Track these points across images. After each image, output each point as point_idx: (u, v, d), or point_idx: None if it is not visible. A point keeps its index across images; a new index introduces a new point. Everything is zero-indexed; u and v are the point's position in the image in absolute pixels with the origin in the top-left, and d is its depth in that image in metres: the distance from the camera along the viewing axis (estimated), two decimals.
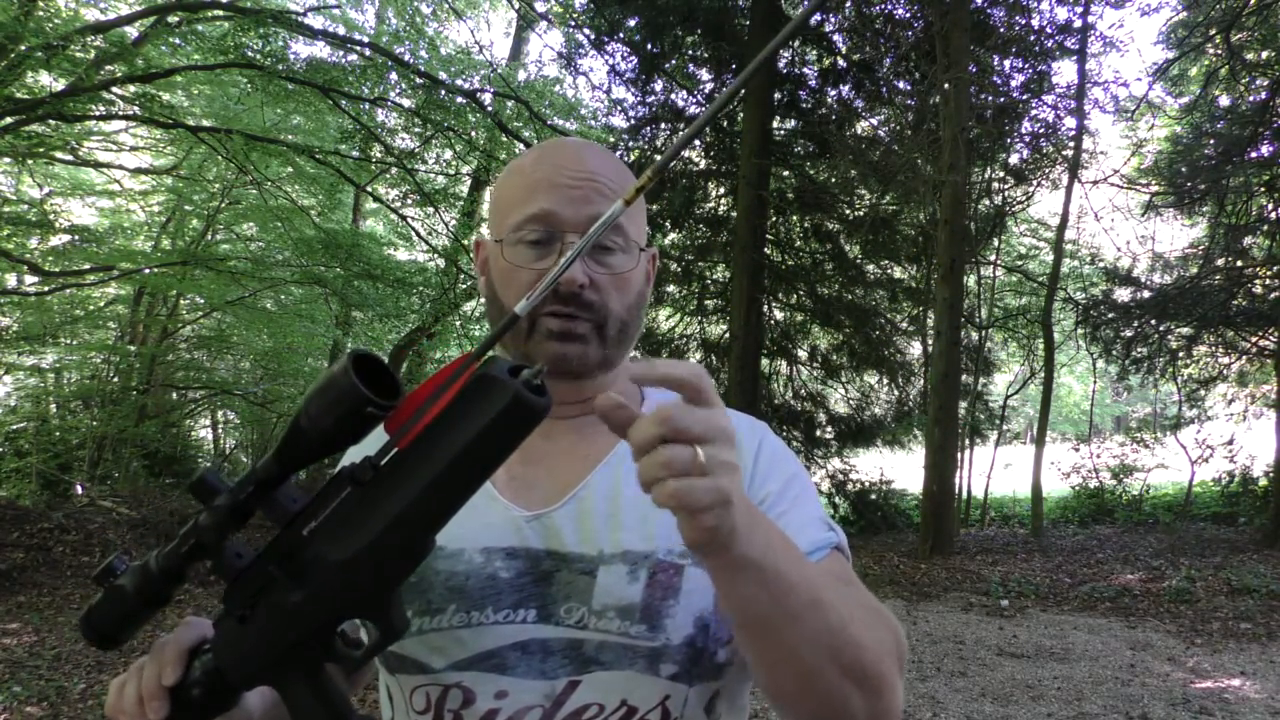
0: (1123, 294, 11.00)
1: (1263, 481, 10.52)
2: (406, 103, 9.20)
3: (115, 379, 11.61)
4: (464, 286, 10.58)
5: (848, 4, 10.16)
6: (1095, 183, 11.77)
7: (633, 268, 0.80)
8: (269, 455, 0.56)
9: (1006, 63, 10.69)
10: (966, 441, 11.88)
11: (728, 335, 10.72)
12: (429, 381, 0.54)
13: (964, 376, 10.70)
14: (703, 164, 11.52)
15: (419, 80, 8.58)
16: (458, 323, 11.80)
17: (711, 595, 0.74)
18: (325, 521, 0.58)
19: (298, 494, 0.59)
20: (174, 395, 12.73)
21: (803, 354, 11.80)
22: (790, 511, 0.78)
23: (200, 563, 0.59)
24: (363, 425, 0.53)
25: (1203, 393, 11.73)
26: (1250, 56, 10.20)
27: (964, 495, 11.83)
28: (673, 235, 11.32)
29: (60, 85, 7.39)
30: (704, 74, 11.59)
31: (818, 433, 11.54)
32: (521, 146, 9.50)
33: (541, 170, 0.79)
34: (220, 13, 7.59)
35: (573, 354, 0.77)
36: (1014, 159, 11.55)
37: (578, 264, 0.75)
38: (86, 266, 9.72)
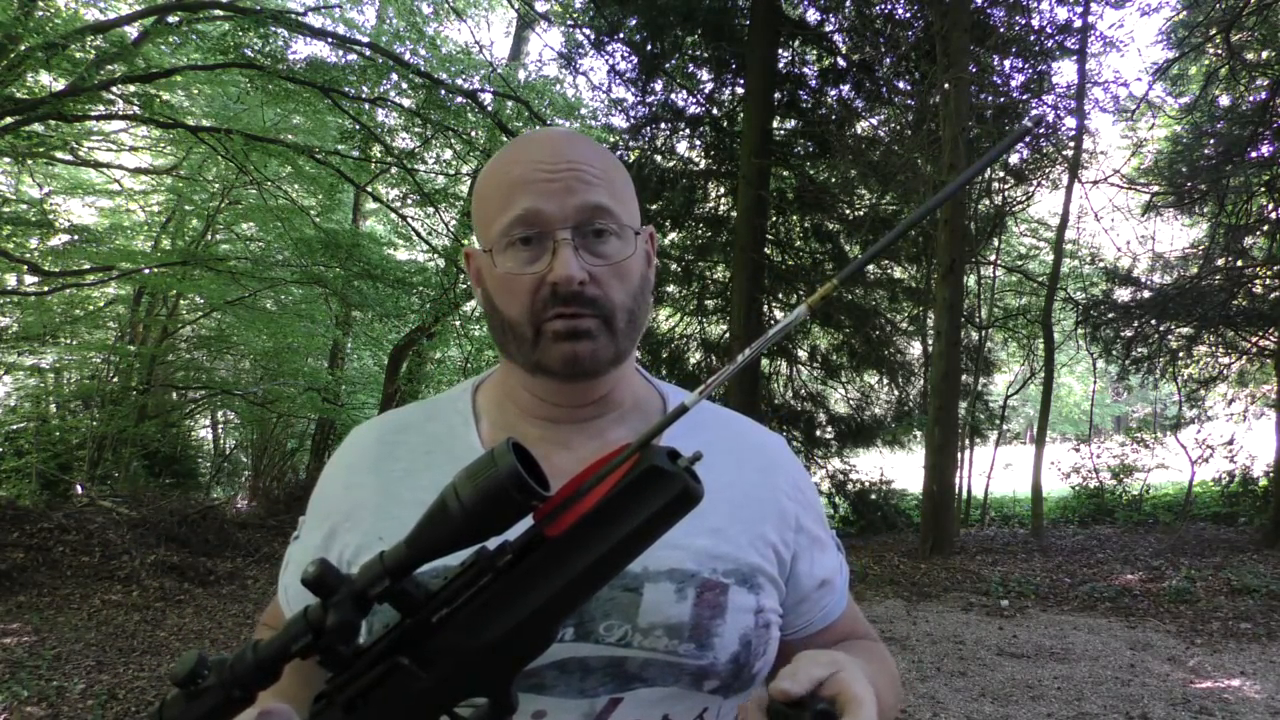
0: (1123, 294, 10.99)
1: (1263, 481, 10.51)
2: (406, 103, 9.21)
3: (115, 379, 11.62)
4: (464, 286, 10.58)
5: (848, 4, 10.17)
6: (1095, 183, 11.77)
7: (630, 254, 0.77)
8: (399, 544, 0.54)
9: (1006, 63, 10.69)
10: (966, 441, 11.88)
11: (728, 335, 10.72)
12: (584, 471, 0.54)
13: (964, 376, 10.70)
14: (703, 164, 11.52)
15: (419, 80, 8.58)
16: (457, 323, 11.81)
17: (751, 613, 0.76)
18: (461, 608, 0.56)
19: (417, 580, 0.57)
20: (174, 395, 12.73)
21: (803, 354, 11.80)
22: (826, 543, 0.87)
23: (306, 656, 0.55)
24: (518, 517, 0.52)
25: (1203, 393, 11.71)
26: (1250, 56, 10.19)
27: (964, 495, 11.82)
28: (673, 235, 11.33)
29: (60, 85, 7.39)
30: (704, 74, 11.59)
31: (818, 433, 11.53)
32: None
33: (517, 169, 0.76)
34: (220, 13, 7.59)
35: (584, 352, 0.74)
36: (1014, 159, 11.54)
37: (573, 260, 0.73)
38: (86, 266, 9.72)
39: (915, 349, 12.29)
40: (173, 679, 0.54)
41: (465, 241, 10.96)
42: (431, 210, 11.30)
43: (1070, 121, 10.90)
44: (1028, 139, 11.14)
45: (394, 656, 0.56)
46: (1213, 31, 9.52)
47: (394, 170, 10.63)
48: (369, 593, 0.53)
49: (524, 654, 0.57)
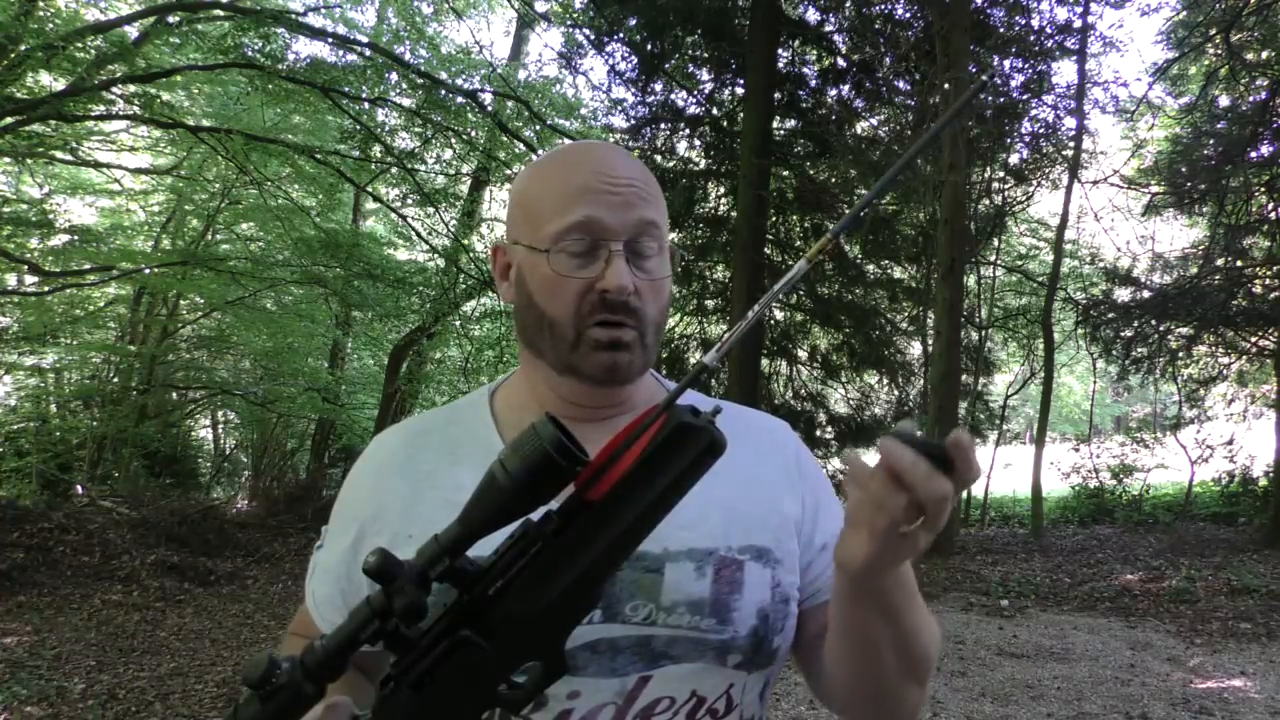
0: (1123, 294, 10.99)
1: (1263, 481, 10.51)
2: (406, 103, 9.20)
3: (115, 379, 11.62)
4: (464, 286, 10.56)
5: (848, 4, 10.17)
6: (1095, 183, 11.78)
7: (668, 274, 0.82)
8: (451, 523, 0.55)
9: (1006, 63, 10.70)
10: None
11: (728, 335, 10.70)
12: (615, 437, 0.56)
13: (964, 376, 10.70)
14: (703, 164, 11.52)
15: (419, 80, 8.58)
16: (457, 323, 11.80)
17: (768, 588, 0.79)
18: (516, 578, 0.58)
19: (469, 557, 0.58)
20: (174, 395, 12.72)
21: (803, 354, 11.80)
22: (835, 512, 0.89)
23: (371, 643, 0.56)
24: (563, 483, 0.54)
25: (1203, 393, 11.72)
26: (1250, 56, 10.19)
27: (964, 495, 11.81)
28: (673, 235, 11.30)
29: (60, 85, 7.39)
30: (704, 74, 11.59)
31: (818, 433, 11.53)
32: (521, 146, 9.49)
33: (579, 176, 0.78)
34: (220, 13, 7.59)
35: (622, 363, 0.78)
36: (1014, 159, 11.55)
37: (626, 271, 0.76)
38: (86, 266, 9.72)
39: (915, 349, 12.29)
40: (245, 681, 0.55)
41: (465, 241, 10.96)
42: (431, 210, 11.28)
43: (1070, 121, 10.91)
44: (1026, 138, 11.17)
45: (457, 631, 0.58)
46: (1213, 31, 9.52)
47: (394, 170, 10.61)
48: (429, 573, 0.55)
49: (577, 614, 0.60)
